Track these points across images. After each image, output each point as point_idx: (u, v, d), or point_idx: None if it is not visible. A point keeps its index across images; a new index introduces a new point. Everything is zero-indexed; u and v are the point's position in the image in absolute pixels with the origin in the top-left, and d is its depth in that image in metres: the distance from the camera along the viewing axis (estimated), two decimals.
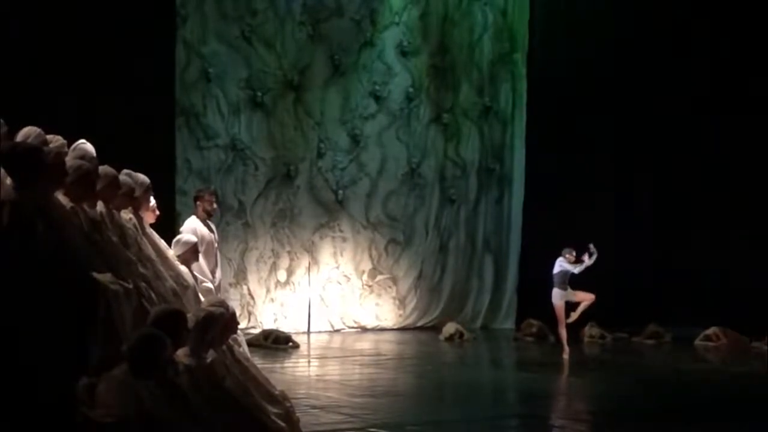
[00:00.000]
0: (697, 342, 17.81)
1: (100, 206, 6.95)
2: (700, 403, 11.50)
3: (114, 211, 7.18)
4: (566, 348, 15.30)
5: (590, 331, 18.31)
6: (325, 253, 19.15)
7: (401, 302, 20.01)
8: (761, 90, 18.54)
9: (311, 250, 18.96)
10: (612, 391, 12.28)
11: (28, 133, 7.02)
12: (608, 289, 18.78)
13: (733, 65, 18.99)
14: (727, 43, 19.03)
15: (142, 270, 6.99)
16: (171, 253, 8.07)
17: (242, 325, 15.31)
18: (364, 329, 19.41)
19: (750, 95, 18.70)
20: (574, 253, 15.13)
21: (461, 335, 18.24)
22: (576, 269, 15.11)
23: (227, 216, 17.90)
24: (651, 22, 19.76)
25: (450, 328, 18.43)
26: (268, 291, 18.47)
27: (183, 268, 7.99)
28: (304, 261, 18.83)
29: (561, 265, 15.12)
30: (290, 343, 16.34)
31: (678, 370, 14.67)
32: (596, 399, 11.59)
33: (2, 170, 6.13)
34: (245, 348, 7.89)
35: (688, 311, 18.33)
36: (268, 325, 17.78)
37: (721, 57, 19.07)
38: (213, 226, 11.18)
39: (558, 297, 15.19)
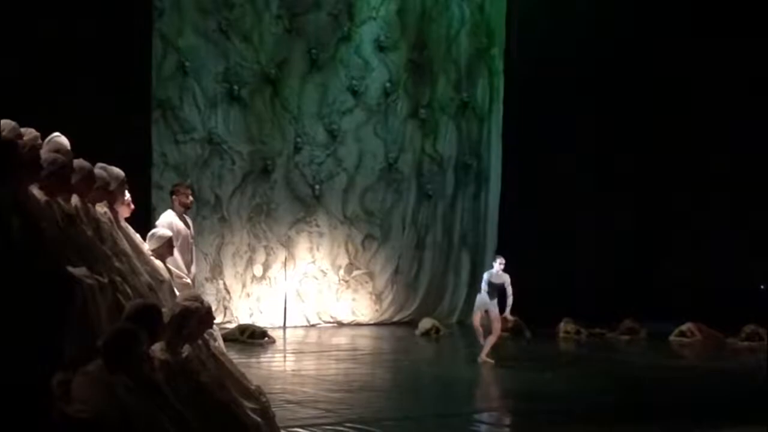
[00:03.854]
0: (672, 338, 17.88)
1: (75, 200, 6.90)
2: (672, 399, 11.54)
3: (89, 204, 7.13)
4: (483, 355, 14.07)
5: (566, 326, 18.41)
6: (302, 248, 19.12)
7: (378, 297, 20.00)
8: (749, 87, 18.61)
9: (288, 245, 18.92)
10: (585, 387, 12.32)
11: (1, 126, 6.96)
12: (584, 285, 18.91)
13: (720, 63, 19.05)
14: (702, 38, 19.10)
15: (117, 264, 6.96)
16: (146, 247, 8.02)
17: (218, 319, 15.29)
18: (341, 324, 19.40)
19: (733, 91, 18.75)
20: (504, 261, 14.10)
21: (437, 330, 18.26)
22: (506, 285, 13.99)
23: (203, 210, 17.83)
24: (629, 18, 19.81)
25: (426, 323, 18.45)
26: (244, 286, 18.42)
27: (158, 263, 7.95)
28: (281, 256, 18.79)
29: (488, 277, 14.08)
30: (266, 338, 16.31)
31: (652, 366, 14.73)
32: (570, 395, 11.62)
33: None
34: (221, 343, 7.85)
35: (664, 307, 18.40)
36: (244, 320, 17.74)
37: (705, 54, 19.11)
38: (189, 221, 11.12)
39: (479, 302, 14.23)
